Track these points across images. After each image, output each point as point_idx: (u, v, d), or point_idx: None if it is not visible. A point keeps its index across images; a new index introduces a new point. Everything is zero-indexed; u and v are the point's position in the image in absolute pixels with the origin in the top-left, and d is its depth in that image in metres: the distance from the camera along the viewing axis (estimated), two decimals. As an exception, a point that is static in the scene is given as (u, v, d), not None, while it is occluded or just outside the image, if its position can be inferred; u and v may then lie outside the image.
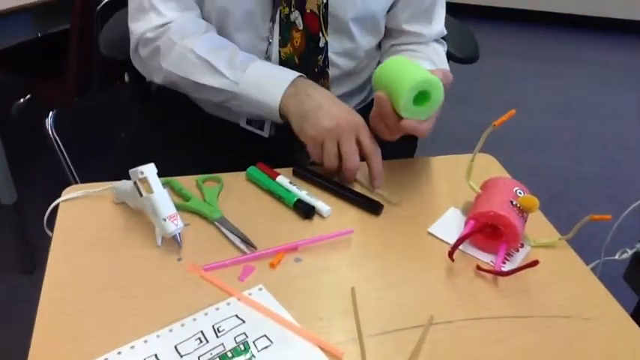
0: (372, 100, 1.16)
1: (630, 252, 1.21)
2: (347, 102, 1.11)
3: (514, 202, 0.76)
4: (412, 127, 0.80)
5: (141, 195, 0.74)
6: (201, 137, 1.05)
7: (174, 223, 0.73)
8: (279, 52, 0.96)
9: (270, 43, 0.95)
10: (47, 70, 1.63)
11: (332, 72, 1.00)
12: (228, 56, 0.90)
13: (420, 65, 0.84)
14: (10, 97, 1.76)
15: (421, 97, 0.80)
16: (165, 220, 0.72)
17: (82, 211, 0.80)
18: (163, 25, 0.92)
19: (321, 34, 0.96)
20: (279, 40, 0.95)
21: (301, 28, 0.95)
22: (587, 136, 2.67)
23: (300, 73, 0.89)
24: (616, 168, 2.45)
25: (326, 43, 0.97)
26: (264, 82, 0.88)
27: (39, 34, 1.82)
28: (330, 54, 0.98)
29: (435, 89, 0.80)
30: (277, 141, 1.02)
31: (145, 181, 0.73)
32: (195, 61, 0.89)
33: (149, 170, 0.74)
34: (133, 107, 1.21)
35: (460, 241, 0.74)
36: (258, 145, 1.01)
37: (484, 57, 1.25)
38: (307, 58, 0.97)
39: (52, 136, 1.66)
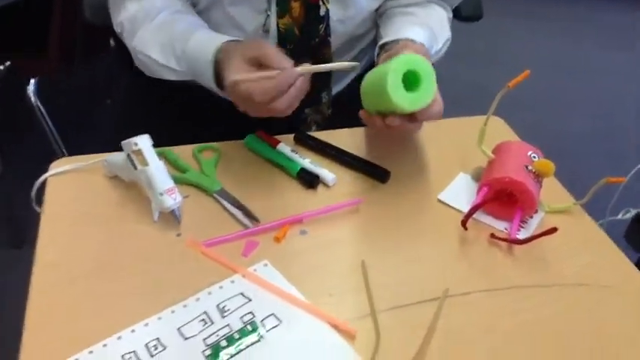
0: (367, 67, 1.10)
1: (633, 211, 1.19)
2: (345, 75, 1.06)
3: (529, 167, 0.73)
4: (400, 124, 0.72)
5: (135, 168, 0.69)
6: (194, 107, 0.99)
7: (172, 197, 0.68)
8: (278, 23, 0.90)
9: (268, 16, 0.90)
10: (28, 37, 1.55)
11: (334, 41, 0.95)
12: (170, 45, 0.85)
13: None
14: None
15: (411, 80, 0.70)
16: (162, 194, 0.68)
17: (71, 185, 0.76)
18: (122, 20, 0.90)
19: (321, 2, 0.90)
20: (277, 11, 0.89)
21: None
22: (584, 94, 2.63)
23: (219, 45, 0.78)
24: (611, 126, 2.42)
25: (327, 11, 0.91)
26: (199, 70, 0.81)
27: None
28: (331, 22, 0.93)
29: (422, 65, 0.69)
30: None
31: (139, 153, 0.69)
32: (149, 61, 0.88)
33: (143, 141, 0.69)
34: (120, 75, 1.15)
35: (474, 209, 0.70)
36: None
37: (485, 15, 1.20)
38: (307, 29, 0.92)
39: (35, 104, 1.59)
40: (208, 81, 0.80)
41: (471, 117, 0.93)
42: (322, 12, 0.91)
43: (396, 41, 0.87)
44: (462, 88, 2.30)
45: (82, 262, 0.66)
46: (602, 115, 2.48)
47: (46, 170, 0.77)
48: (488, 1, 1.25)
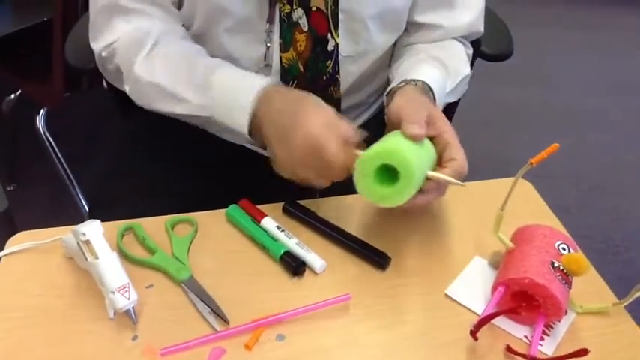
0: (379, 111, 0.98)
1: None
2: (358, 117, 0.95)
3: (556, 264, 0.60)
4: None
5: (86, 259, 0.60)
6: (191, 155, 0.89)
7: (124, 297, 0.58)
8: (280, 57, 0.80)
9: (268, 48, 0.79)
10: (33, 65, 1.49)
11: (343, 79, 0.84)
12: (186, 74, 0.74)
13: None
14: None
15: (388, 174, 0.61)
16: (114, 292, 0.58)
17: (25, 267, 0.67)
18: (113, 42, 0.78)
19: (330, 36, 0.79)
20: (280, 44, 0.79)
21: (306, 29, 0.78)
22: (635, 116, 2.40)
23: (266, 82, 0.70)
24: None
25: (336, 46, 0.80)
26: (229, 103, 0.71)
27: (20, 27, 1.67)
28: (340, 58, 0.81)
29: (399, 160, 0.59)
30: None
31: (88, 243, 0.59)
32: (153, 89, 0.75)
33: (93, 231, 0.59)
34: (114, 115, 1.07)
35: (485, 320, 0.58)
36: (258, 164, 0.86)
37: (514, 25, 1.05)
38: (314, 65, 0.81)
39: (43, 136, 1.53)
40: (238, 116, 0.69)
41: (489, 180, 0.81)
42: (331, 46, 0.80)
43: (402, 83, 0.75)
44: (488, 108, 2.05)
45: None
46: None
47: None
48: (517, 8, 1.11)
